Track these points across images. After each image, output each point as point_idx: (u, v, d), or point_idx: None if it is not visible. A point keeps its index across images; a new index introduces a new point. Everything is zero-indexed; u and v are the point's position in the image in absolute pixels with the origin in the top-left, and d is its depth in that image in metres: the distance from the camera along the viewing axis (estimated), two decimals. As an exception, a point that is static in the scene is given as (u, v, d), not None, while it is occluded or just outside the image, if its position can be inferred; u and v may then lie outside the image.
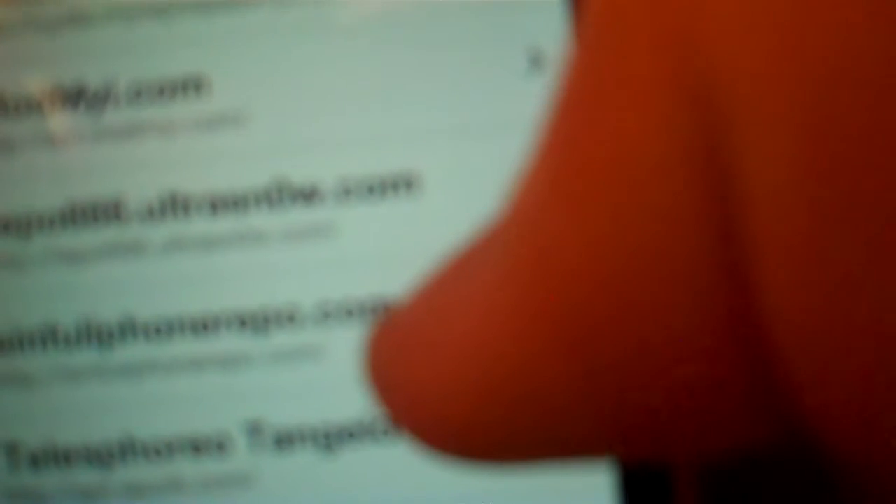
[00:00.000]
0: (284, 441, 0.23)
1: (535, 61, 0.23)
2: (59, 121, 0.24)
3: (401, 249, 0.23)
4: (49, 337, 0.24)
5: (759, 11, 0.07)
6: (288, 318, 0.23)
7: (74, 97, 0.24)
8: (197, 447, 0.24)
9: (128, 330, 0.24)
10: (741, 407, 0.09)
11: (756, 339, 0.08)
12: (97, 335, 0.24)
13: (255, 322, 0.23)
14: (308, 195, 0.23)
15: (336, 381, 0.23)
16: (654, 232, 0.08)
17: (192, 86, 0.24)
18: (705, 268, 0.08)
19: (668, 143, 0.08)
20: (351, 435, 0.23)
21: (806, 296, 0.08)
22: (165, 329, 0.24)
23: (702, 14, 0.08)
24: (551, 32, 0.23)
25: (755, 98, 0.07)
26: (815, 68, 0.07)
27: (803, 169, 0.07)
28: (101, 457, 0.24)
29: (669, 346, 0.08)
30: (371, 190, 0.23)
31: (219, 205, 0.24)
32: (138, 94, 0.24)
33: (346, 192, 0.23)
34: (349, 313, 0.23)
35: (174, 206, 0.24)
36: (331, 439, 0.23)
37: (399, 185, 0.23)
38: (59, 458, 0.24)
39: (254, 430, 0.23)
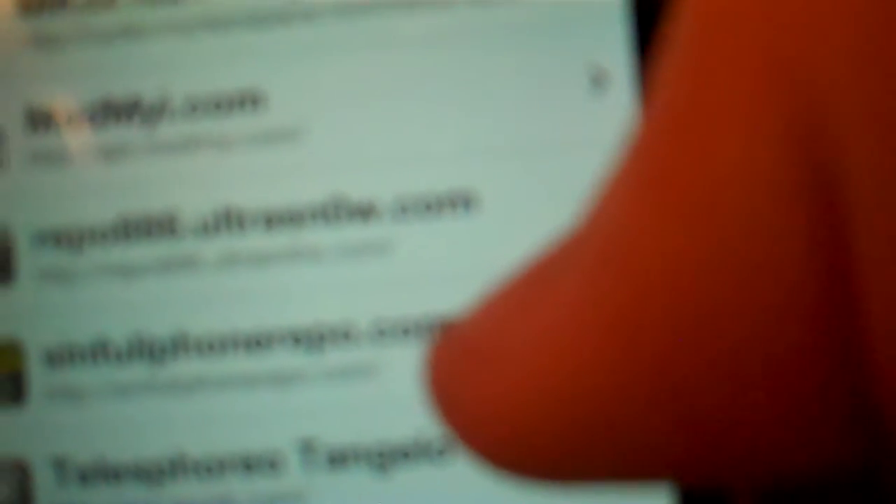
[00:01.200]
0: (338, 460, 0.23)
1: (596, 80, 0.23)
2: (113, 134, 0.24)
3: (457, 268, 0.23)
4: (100, 352, 0.24)
5: (866, 36, 0.07)
6: (343, 335, 0.23)
7: (129, 110, 0.24)
8: (249, 465, 0.23)
9: (180, 346, 0.24)
10: (834, 434, 0.09)
11: (856, 357, 0.08)
12: (149, 351, 0.24)
13: (310, 339, 0.23)
14: (365, 212, 0.23)
15: (391, 400, 0.23)
16: (753, 249, 0.08)
17: (248, 100, 0.23)
18: (807, 285, 0.08)
19: (773, 164, 0.08)
20: (405, 455, 0.23)
21: None
22: (218, 345, 0.23)
23: (813, 35, 0.08)
24: (613, 51, 0.23)
25: (860, 120, 0.07)
26: None
27: None
28: (150, 474, 0.24)
29: (765, 365, 0.08)
30: (428, 207, 0.23)
31: (274, 220, 0.23)
32: (194, 108, 0.24)
33: (403, 209, 0.23)
34: (405, 331, 0.23)
35: (229, 221, 0.23)
36: (385, 459, 0.23)
37: (457, 203, 0.23)
38: (109, 474, 0.24)
39: (307, 449, 0.23)
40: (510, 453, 0.10)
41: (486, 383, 0.10)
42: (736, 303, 0.08)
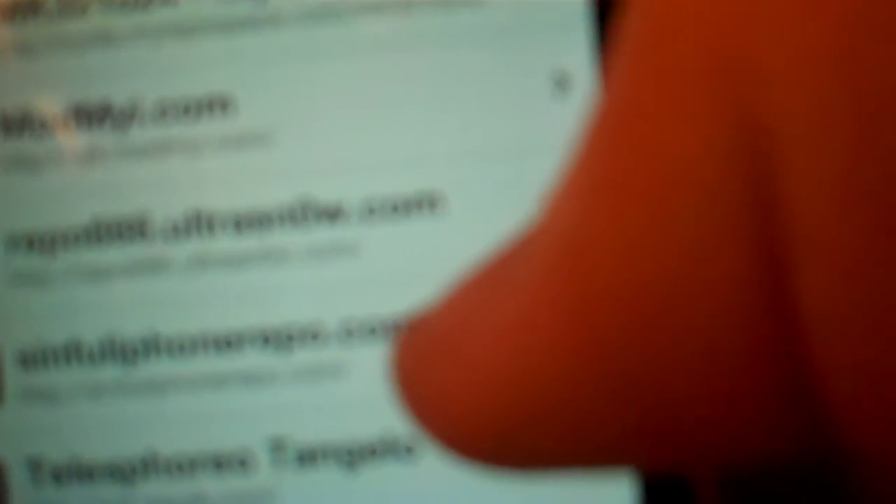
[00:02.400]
0: (307, 458, 0.24)
1: (560, 83, 0.23)
2: (85, 139, 0.24)
3: (424, 268, 0.23)
4: (73, 353, 0.24)
5: (811, 37, 0.07)
6: (311, 335, 0.24)
7: (100, 115, 0.24)
8: (220, 463, 0.24)
9: (151, 347, 0.24)
10: (774, 418, 0.09)
11: (795, 349, 0.08)
12: (121, 352, 0.24)
13: (279, 339, 0.24)
14: (332, 214, 0.24)
15: (359, 399, 0.23)
16: (699, 246, 0.08)
17: (217, 105, 0.24)
18: (748, 281, 0.08)
19: (715, 162, 0.08)
20: (373, 452, 0.23)
21: (846, 307, 0.08)
22: (189, 346, 0.24)
23: (756, 33, 0.08)
24: (576, 54, 0.23)
25: (803, 120, 0.08)
26: (864, 95, 0.07)
27: (846, 189, 0.07)
28: (123, 472, 0.24)
29: (708, 357, 0.09)
30: (395, 209, 0.23)
31: (243, 223, 0.24)
32: (164, 113, 0.24)
33: (371, 211, 0.23)
34: (372, 331, 0.23)
35: (199, 224, 0.24)
36: (353, 456, 0.23)
37: (423, 204, 0.23)
38: (83, 473, 0.24)
39: (276, 447, 0.24)
40: (475, 443, 0.10)
41: (451, 375, 0.10)
42: (683, 296, 0.08)
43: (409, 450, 0.23)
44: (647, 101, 0.09)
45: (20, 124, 0.24)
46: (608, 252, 0.09)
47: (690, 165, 0.08)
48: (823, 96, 0.07)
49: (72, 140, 0.24)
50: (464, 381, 0.10)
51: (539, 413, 0.10)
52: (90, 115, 0.24)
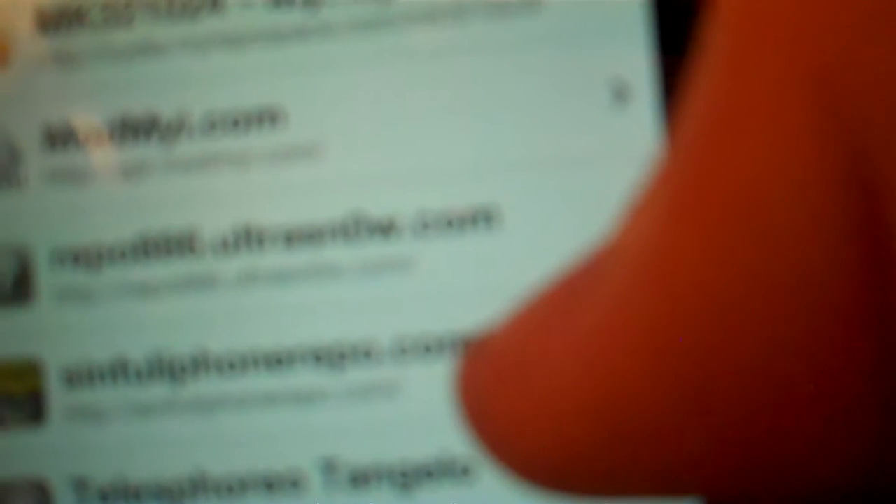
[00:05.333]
0: (360, 479, 0.23)
1: (619, 93, 0.23)
2: (131, 152, 0.24)
3: (479, 284, 0.23)
4: (120, 371, 0.24)
5: None
6: (364, 353, 0.23)
7: (147, 128, 0.24)
8: (270, 484, 0.23)
9: (200, 364, 0.23)
10: (869, 443, 0.08)
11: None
12: (169, 369, 0.23)
13: (331, 357, 0.23)
14: (385, 229, 0.23)
15: (413, 418, 0.23)
16: (801, 263, 0.08)
17: (267, 117, 0.23)
18: (848, 297, 0.08)
19: (813, 177, 0.08)
20: (428, 474, 0.23)
21: None
22: (239, 364, 0.23)
23: (852, 42, 0.08)
24: (635, 64, 0.23)
25: None
26: None
27: None
28: (171, 493, 0.23)
29: (799, 374, 0.08)
30: (450, 224, 0.23)
31: (294, 238, 0.23)
32: (212, 126, 0.23)
33: (425, 225, 0.23)
34: (427, 349, 0.23)
35: (248, 239, 0.23)
36: (408, 478, 0.23)
37: (478, 219, 0.23)
38: (129, 493, 0.24)
39: (329, 468, 0.23)
40: (542, 467, 0.10)
41: (519, 397, 0.10)
42: (775, 314, 0.08)
43: (465, 471, 0.23)
44: (735, 113, 0.08)
45: (65, 137, 0.24)
46: (692, 266, 0.09)
47: (782, 178, 0.08)
48: None
49: (118, 153, 0.24)
50: (534, 403, 0.10)
51: (613, 433, 0.09)
52: (137, 128, 0.24)
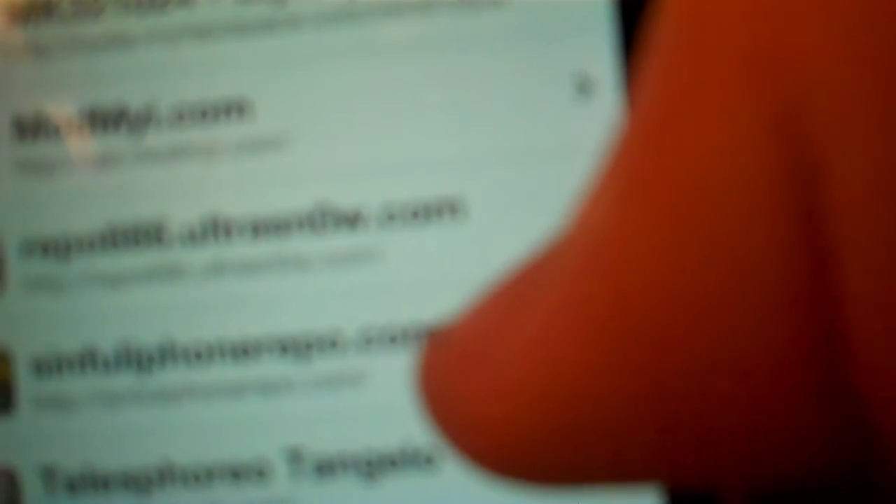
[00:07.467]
0: (325, 468, 0.23)
1: (582, 88, 0.23)
2: (100, 142, 0.24)
3: (445, 275, 0.23)
4: (88, 360, 0.24)
5: (854, 28, 0.07)
6: (330, 343, 0.23)
7: (115, 119, 0.24)
8: (237, 473, 0.23)
9: (167, 354, 0.24)
10: (814, 426, 0.09)
11: (838, 352, 0.08)
12: (136, 359, 0.24)
13: (297, 348, 0.23)
14: (351, 220, 0.23)
15: (378, 408, 0.23)
16: (740, 246, 0.08)
17: (234, 109, 0.23)
18: (791, 281, 0.08)
19: (756, 159, 0.08)
20: (393, 462, 0.23)
21: (892, 309, 0.08)
22: (206, 354, 0.23)
23: (795, 33, 0.08)
24: (598, 58, 0.23)
25: (848, 116, 0.07)
26: None
27: (888, 183, 0.07)
28: (139, 482, 0.24)
29: (748, 360, 0.08)
30: (415, 215, 0.23)
31: (261, 229, 0.23)
32: (180, 117, 0.24)
33: (390, 217, 0.23)
34: (392, 339, 0.23)
35: (216, 229, 0.23)
36: (372, 466, 0.23)
37: (443, 210, 0.23)
38: (97, 482, 0.24)
39: (294, 457, 0.23)
40: (502, 456, 0.10)
41: (478, 387, 0.10)
42: (723, 305, 0.08)
43: (429, 460, 0.23)
44: (682, 100, 0.08)
45: (34, 128, 0.24)
46: (643, 253, 0.09)
47: (730, 163, 0.08)
48: (869, 91, 0.07)
49: (87, 144, 0.24)
50: (492, 391, 0.10)
51: (570, 422, 0.09)
52: (105, 119, 0.24)
